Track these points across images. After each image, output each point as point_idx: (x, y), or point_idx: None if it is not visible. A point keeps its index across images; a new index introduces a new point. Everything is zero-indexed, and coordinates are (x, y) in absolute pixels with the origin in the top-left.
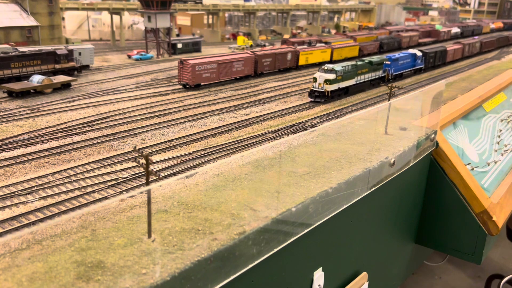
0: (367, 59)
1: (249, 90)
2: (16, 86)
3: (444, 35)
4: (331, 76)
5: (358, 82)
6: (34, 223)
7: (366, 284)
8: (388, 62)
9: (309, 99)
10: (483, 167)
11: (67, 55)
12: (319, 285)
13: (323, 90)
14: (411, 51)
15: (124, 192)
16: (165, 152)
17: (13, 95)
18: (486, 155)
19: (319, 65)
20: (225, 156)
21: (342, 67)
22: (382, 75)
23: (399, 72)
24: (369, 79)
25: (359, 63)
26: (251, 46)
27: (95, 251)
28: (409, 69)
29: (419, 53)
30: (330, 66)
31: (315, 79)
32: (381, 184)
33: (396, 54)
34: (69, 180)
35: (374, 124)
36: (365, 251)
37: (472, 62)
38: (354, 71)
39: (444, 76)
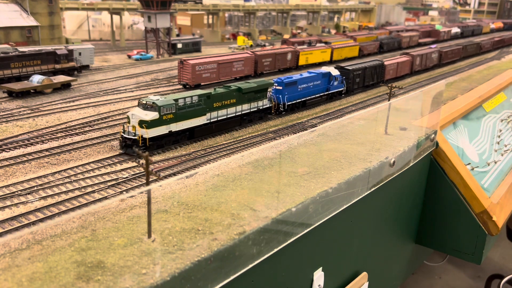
0: (235, 84)
1: None
2: (16, 86)
3: (444, 35)
4: (151, 115)
5: (214, 119)
6: (34, 223)
7: (366, 284)
8: (278, 87)
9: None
10: (483, 167)
11: (67, 55)
12: (319, 285)
13: (135, 137)
14: (324, 69)
15: (124, 192)
16: (165, 152)
17: (13, 95)
18: (486, 155)
19: (319, 65)
20: (225, 156)
21: (174, 100)
22: (267, 105)
23: (300, 100)
24: (241, 113)
25: (218, 91)
26: (251, 46)
27: (95, 251)
28: (317, 95)
29: (335, 72)
30: (155, 98)
31: (128, 119)
32: (381, 184)
33: (294, 76)
34: (69, 180)
35: (374, 124)
36: (365, 251)
37: (472, 62)
38: (206, 104)
39: (444, 76)
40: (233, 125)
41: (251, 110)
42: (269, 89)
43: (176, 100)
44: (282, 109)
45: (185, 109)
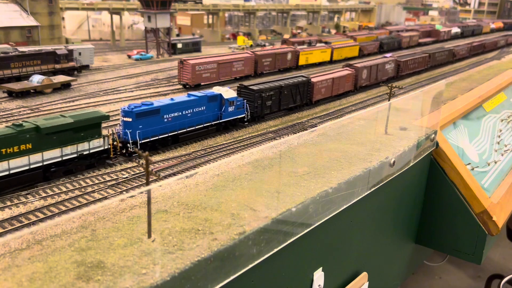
0: (33, 121)
1: None
2: (16, 86)
3: (444, 35)
4: None
5: None
6: (34, 223)
7: (366, 284)
8: (126, 119)
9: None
10: (483, 167)
11: (67, 55)
12: (319, 285)
13: None
14: (215, 90)
15: (124, 192)
16: (165, 152)
17: (13, 95)
18: (486, 155)
19: (319, 65)
20: (225, 156)
21: None
22: (101, 147)
23: (166, 135)
24: (42, 164)
25: None
26: (251, 46)
27: (95, 251)
28: (199, 126)
29: (229, 94)
30: None
31: None
32: (381, 184)
33: (158, 101)
34: (69, 180)
35: (374, 124)
36: (365, 251)
37: (472, 62)
38: None
39: (444, 76)
40: (28, 183)
41: (67, 157)
42: (122, 119)
43: None
44: (131, 150)
45: None
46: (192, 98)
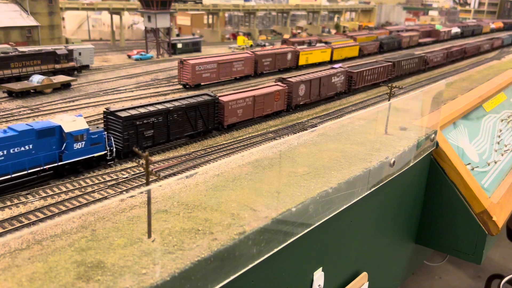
0: None
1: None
2: (16, 86)
3: (444, 35)
4: None
5: None
6: (34, 223)
7: (366, 284)
8: None
9: None
10: (483, 167)
11: (67, 55)
12: (319, 285)
13: None
14: (56, 120)
15: (124, 192)
16: (165, 152)
17: (13, 95)
18: (486, 155)
19: (319, 65)
20: (225, 156)
21: None
22: None
23: None
24: None
25: None
26: (251, 46)
27: (95, 251)
28: (19, 172)
29: (76, 126)
30: None
31: None
32: (381, 184)
33: None
34: (69, 180)
35: (374, 124)
36: (365, 251)
37: (472, 62)
38: None
39: (444, 76)
40: None
41: None
42: None
43: None
44: None
45: None
46: (8, 134)
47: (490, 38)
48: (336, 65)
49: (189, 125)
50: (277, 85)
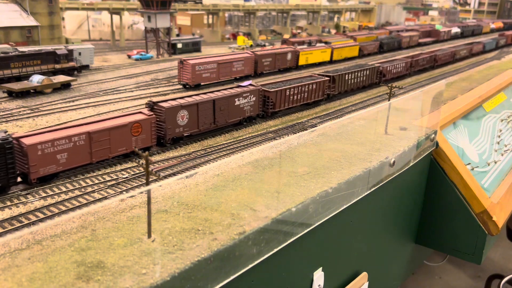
0: None
1: None
2: (16, 86)
3: (444, 35)
4: None
5: None
6: (34, 223)
7: (366, 284)
8: None
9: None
10: (483, 167)
11: (67, 55)
12: (319, 285)
13: None
14: None
15: (124, 192)
16: (165, 152)
17: (13, 95)
18: (486, 155)
19: (319, 65)
20: (225, 156)
21: None
22: None
23: None
24: None
25: None
26: (251, 46)
27: (95, 251)
28: None
29: None
30: None
31: None
32: (381, 184)
33: None
34: (70, 180)
35: (374, 124)
36: (365, 251)
37: (472, 62)
38: None
39: (444, 76)
40: None
41: None
42: None
43: None
44: None
45: None
46: None
47: (469, 43)
48: (245, 82)
49: None
50: (140, 113)
